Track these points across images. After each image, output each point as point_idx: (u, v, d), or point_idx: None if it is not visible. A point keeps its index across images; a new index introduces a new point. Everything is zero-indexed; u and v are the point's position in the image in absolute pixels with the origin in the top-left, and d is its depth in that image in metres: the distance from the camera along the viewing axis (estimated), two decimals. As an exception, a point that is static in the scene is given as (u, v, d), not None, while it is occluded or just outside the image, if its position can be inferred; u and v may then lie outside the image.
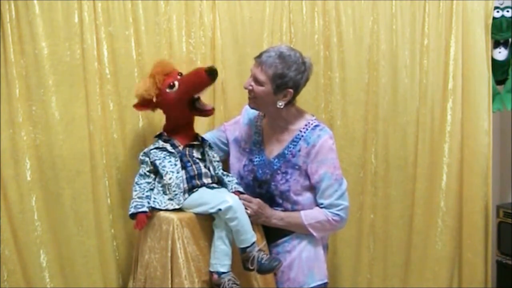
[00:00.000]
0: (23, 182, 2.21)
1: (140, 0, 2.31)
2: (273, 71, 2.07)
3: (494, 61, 2.74)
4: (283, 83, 2.08)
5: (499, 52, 2.75)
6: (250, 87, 2.13)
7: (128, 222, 2.12)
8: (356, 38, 2.58)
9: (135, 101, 2.17)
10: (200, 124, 2.37)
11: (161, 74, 2.11)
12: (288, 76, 2.08)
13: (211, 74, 2.03)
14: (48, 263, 2.26)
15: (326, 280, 2.23)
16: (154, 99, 2.09)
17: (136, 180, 2.11)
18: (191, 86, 2.08)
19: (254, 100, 2.15)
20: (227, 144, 2.35)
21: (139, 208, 2.02)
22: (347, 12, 2.56)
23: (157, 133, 2.19)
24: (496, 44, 2.75)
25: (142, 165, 2.12)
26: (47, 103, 2.22)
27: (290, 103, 2.16)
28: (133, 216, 2.02)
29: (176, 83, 2.09)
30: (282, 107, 2.13)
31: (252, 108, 2.21)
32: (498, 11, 2.72)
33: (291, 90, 2.11)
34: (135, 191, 2.08)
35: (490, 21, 2.68)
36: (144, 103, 2.13)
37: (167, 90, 2.09)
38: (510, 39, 2.75)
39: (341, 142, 2.56)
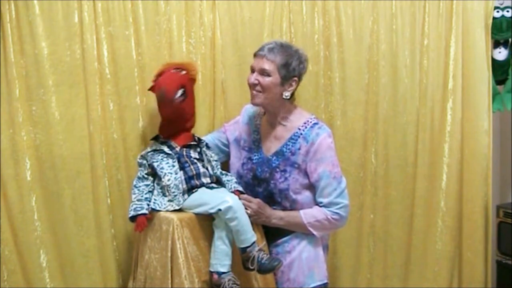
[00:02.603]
0: (23, 182, 2.21)
1: (140, 0, 2.31)
2: (279, 60, 2.10)
3: (494, 61, 2.74)
4: (288, 72, 2.11)
5: (499, 52, 2.75)
6: (256, 81, 2.12)
7: (128, 222, 2.11)
8: (356, 38, 2.58)
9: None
10: (200, 125, 2.37)
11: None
12: (292, 64, 2.11)
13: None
14: (48, 263, 2.25)
15: (326, 281, 2.23)
16: None
17: (134, 183, 2.11)
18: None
19: (261, 94, 2.13)
20: (227, 145, 2.35)
21: (139, 210, 2.02)
22: (347, 12, 2.56)
23: (154, 135, 2.19)
24: (496, 44, 2.75)
25: (140, 168, 2.13)
26: (47, 103, 2.22)
27: (293, 95, 2.17)
28: (133, 219, 2.02)
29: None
30: (288, 97, 2.14)
31: (256, 104, 2.19)
32: (498, 11, 2.72)
33: (296, 79, 2.14)
34: (134, 194, 2.08)
35: (490, 21, 2.69)
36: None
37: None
38: (510, 39, 2.75)
39: (341, 142, 2.56)
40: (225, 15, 2.43)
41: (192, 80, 2.22)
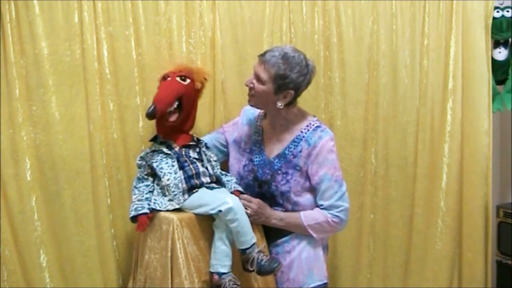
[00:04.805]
0: (23, 182, 2.21)
1: (140, 0, 2.31)
2: (275, 71, 2.07)
3: (494, 61, 2.73)
4: (284, 84, 2.08)
5: (499, 52, 2.75)
6: (251, 85, 2.12)
7: (128, 222, 2.11)
8: (356, 38, 2.58)
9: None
10: (199, 125, 2.37)
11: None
12: (289, 77, 2.07)
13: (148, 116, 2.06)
14: (48, 263, 2.26)
15: (326, 281, 2.23)
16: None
17: (134, 184, 2.12)
18: None
19: (254, 98, 2.15)
20: (226, 146, 2.35)
21: (140, 210, 2.01)
22: (347, 12, 2.55)
23: (152, 136, 2.19)
24: (496, 44, 2.75)
25: (139, 169, 2.13)
26: (47, 103, 2.22)
27: (290, 104, 2.16)
28: (134, 219, 2.02)
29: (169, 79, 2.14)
30: (281, 107, 2.13)
31: (251, 105, 2.20)
32: (498, 11, 2.72)
33: (291, 92, 2.10)
34: (134, 194, 2.08)
35: (490, 21, 2.68)
36: None
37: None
38: (510, 39, 2.75)
39: (341, 142, 2.56)
40: (225, 15, 2.43)
41: (196, 90, 2.20)
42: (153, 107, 2.02)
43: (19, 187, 2.21)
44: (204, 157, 2.16)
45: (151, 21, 2.33)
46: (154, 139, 2.17)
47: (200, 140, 2.22)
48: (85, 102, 2.27)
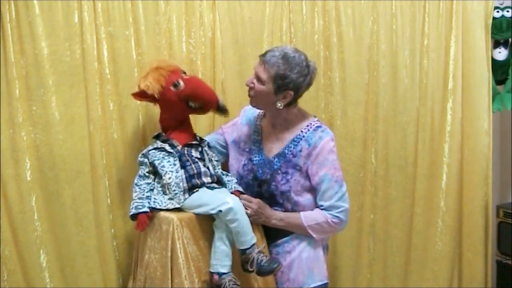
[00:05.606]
0: (23, 182, 2.21)
1: (140, 0, 2.31)
2: (275, 71, 2.07)
3: (494, 61, 2.74)
4: (284, 84, 2.08)
5: (499, 52, 2.75)
6: (252, 85, 2.12)
7: (128, 222, 2.12)
8: (356, 38, 2.58)
9: (135, 90, 2.18)
10: (199, 125, 2.37)
11: (166, 70, 2.09)
12: (289, 77, 2.07)
13: (220, 110, 2.15)
14: (48, 263, 2.26)
15: (326, 281, 2.23)
16: (157, 96, 2.08)
17: (135, 181, 2.11)
18: (196, 97, 2.10)
19: (255, 98, 2.15)
20: (225, 147, 2.35)
21: (140, 208, 2.01)
22: (347, 12, 2.56)
23: (155, 133, 2.19)
24: (496, 44, 2.75)
25: (141, 167, 2.12)
26: (47, 103, 2.22)
27: (291, 104, 2.16)
28: (134, 217, 2.02)
29: (181, 82, 2.08)
30: (281, 107, 2.13)
31: (253, 106, 2.20)
32: (498, 11, 2.72)
33: (291, 92, 2.10)
34: (135, 192, 2.08)
35: (490, 21, 2.69)
36: (144, 95, 2.10)
37: (171, 88, 2.08)
38: (510, 39, 2.75)
39: (341, 142, 2.56)
40: (225, 15, 2.43)
41: None
42: (220, 101, 2.14)
43: (19, 187, 2.21)
44: (206, 157, 2.16)
45: (151, 21, 2.34)
46: (157, 137, 2.17)
47: (203, 139, 2.21)
48: (85, 102, 2.27)
